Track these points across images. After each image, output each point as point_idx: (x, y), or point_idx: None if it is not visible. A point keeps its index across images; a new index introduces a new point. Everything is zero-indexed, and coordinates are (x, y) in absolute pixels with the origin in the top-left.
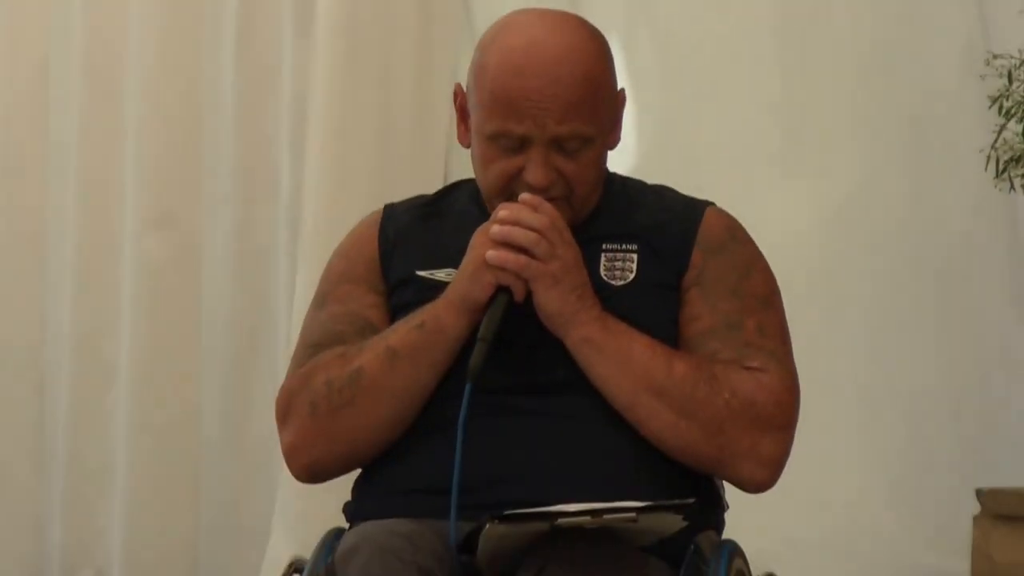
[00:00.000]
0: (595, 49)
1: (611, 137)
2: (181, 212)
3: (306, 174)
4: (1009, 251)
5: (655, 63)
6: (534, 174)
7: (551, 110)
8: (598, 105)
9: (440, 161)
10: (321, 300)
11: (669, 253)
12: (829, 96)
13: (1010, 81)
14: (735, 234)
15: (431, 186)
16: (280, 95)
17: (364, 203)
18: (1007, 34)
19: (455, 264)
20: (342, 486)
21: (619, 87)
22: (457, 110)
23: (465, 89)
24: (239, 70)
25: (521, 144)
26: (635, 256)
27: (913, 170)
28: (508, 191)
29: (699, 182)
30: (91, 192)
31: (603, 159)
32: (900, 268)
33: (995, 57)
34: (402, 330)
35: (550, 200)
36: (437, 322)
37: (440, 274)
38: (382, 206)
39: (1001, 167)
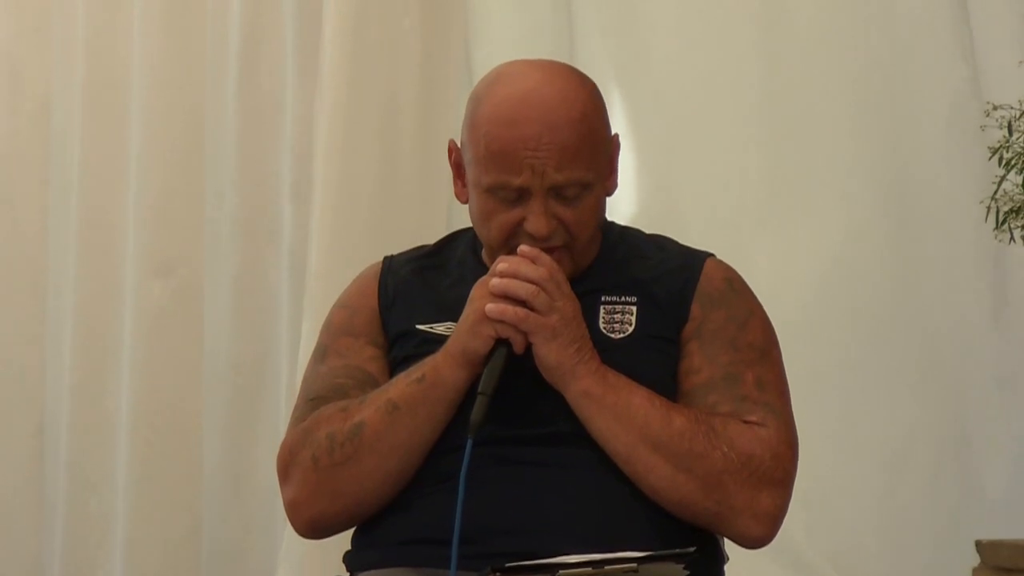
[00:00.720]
0: (587, 94)
1: (608, 183)
2: (183, 260)
3: (309, 222)
4: (994, 306)
5: (649, 116)
6: (535, 224)
7: (549, 158)
8: (595, 150)
9: (443, 208)
10: (322, 353)
11: (668, 305)
12: (819, 148)
13: (1010, 132)
14: (734, 285)
15: (434, 234)
16: (282, 142)
17: (367, 251)
18: (1004, 85)
19: (454, 317)
20: (346, 536)
21: (613, 132)
22: (452, 167)
23: (460, 144)
24: (241, 118)
25: (520, 195)
26: (634, 308)
27: (901, 224)
28: (510, 243)
29: (690, 233)
30: (92, 239)
31: (602, 205)
32: (887, 322)
33: (995, 108)
34: (402, 383)
35: (551, 250)
36: (437, 375)
37: (439, 327)
38: (382, 258)
39: (1001, 218)
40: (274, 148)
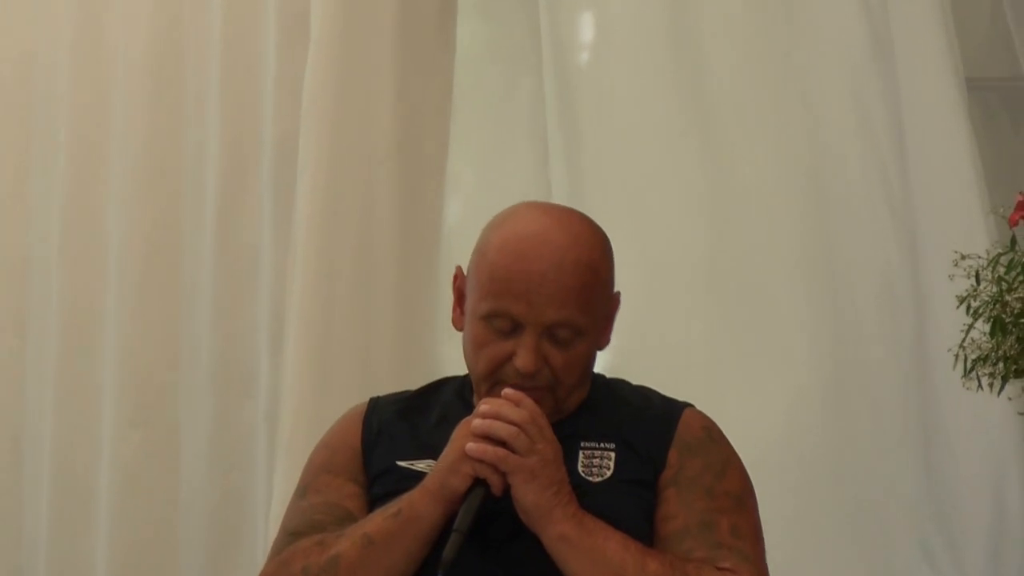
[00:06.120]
0: (598, 242)
1: (602, 337)
2: (159, 410)
3: (284, 372)
4: (924, 474)
5: (638, 266)
6: (524, 360)
7: (551, 296)
8: (595, 297)
9: (424, 359)
10: (303, 490)
11: (647, 452)
12: (786, 301)
13: (978, 281)
14: (711, 434)
15: (412, 385)
16: (259, 294)
17: (344, 400)
18: (971, 234)
19: (435, 455)
20: None
21: (615, 290)
22: (454, 292)
23: (465, 272)
24: (218, 269)
25: (514, 328)
26: (613, 454)
27: (838, 388)
28: (496, 376)
29: (668, 380)
30: (69, 389)
31: (591, 356)
32: (824, 483)
33: (963, 257)
34: (379, 518)
35: (534, 389)
36: (413, 510)
37: (420, 464)
38: (367, 399)
39: (969, 366)
40: (251, 299)
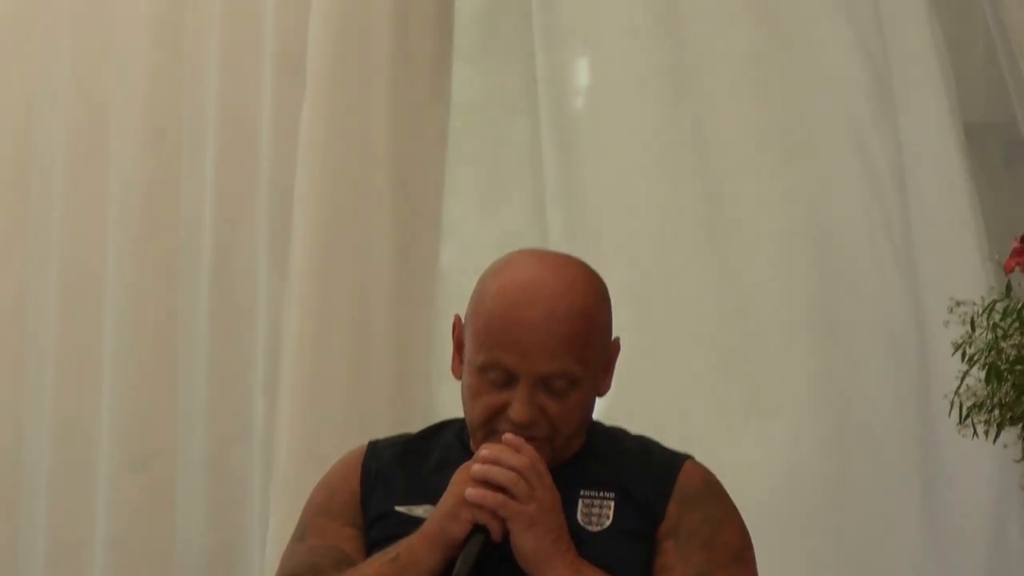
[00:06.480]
0: (593, 291)
1: (601, 384)
2: (156, 453)
3: (279, 415)
4: (922, 519)
5: (637, 313)
6: (518, 411)
7: (543, 346)
8: (591, 345)
9: (420, 404)
10: (301, 532)
11: (646, 503)
12: (789, 348)
13: (972, 328)
14: (711, 487)
15: (408, 428)
16: (255, 336)
17: (339, 445)
18: (972, 280)
19: (434, 500)
20: None
21: (614, 336)
22: (454, 341)
23: (463, 321)
24: (213, 312)
25: (509, 379)
26: (612, 504)
27: (838, 431)
28: (492, 426)
29: (669, 428)
30: (67, 435)
31: (589, 404)
32: (825, 525)
33: (958, 304)
34: (377, 563)
35: (532, 439)
36: (411, 555)
37: (418, 510)
38: (366, 442)
39: (964, 413)
40: (246, 341)
